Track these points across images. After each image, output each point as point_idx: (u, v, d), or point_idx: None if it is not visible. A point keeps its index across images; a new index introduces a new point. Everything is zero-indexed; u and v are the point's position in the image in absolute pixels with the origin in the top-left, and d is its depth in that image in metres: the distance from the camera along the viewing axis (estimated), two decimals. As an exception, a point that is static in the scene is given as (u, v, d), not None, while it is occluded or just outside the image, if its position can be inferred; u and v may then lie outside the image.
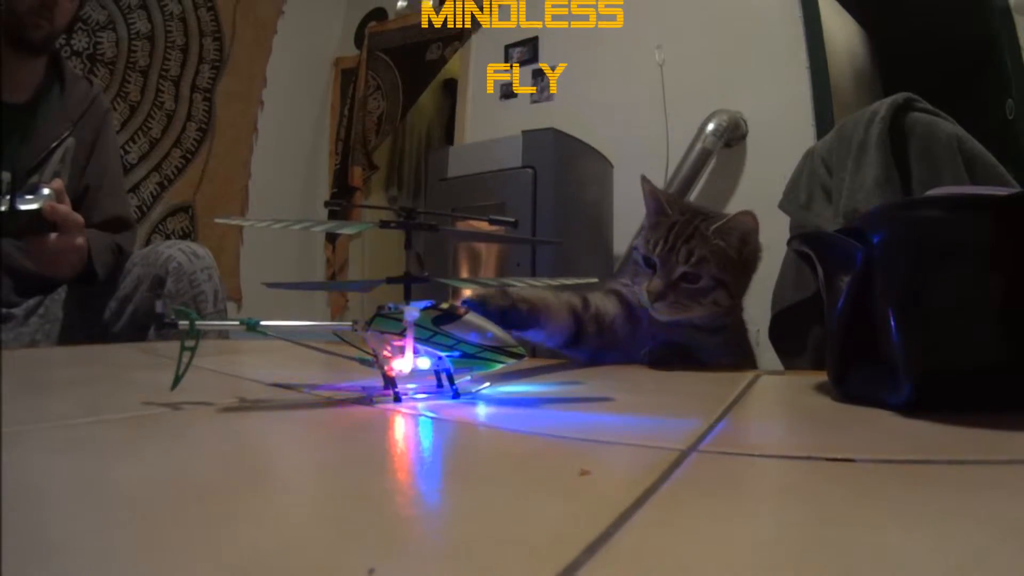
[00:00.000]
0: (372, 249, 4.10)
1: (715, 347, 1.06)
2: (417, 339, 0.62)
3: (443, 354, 0.63)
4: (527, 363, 0.81)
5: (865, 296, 0.64)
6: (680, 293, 0.99)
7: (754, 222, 1.03)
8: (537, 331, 0.98)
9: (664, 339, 1.04)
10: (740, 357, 1.11)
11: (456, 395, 0.64)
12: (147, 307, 1.51)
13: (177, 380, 0.59)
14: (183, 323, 0.60)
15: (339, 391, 0.69)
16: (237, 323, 0.63)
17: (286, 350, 0.67)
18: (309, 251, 4.25)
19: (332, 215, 4.13)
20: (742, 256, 1.03)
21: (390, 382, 0.62)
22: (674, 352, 1.03)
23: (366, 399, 0.62)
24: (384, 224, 0.64)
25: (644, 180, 1.11)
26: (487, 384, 0.72)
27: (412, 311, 0.62)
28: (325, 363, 0.64)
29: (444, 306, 0.64)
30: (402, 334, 0.62)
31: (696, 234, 1.01)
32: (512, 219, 0.68)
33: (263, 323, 0.62)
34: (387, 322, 0.63)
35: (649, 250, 1.02)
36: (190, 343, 0.59)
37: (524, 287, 0.92)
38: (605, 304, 1.06)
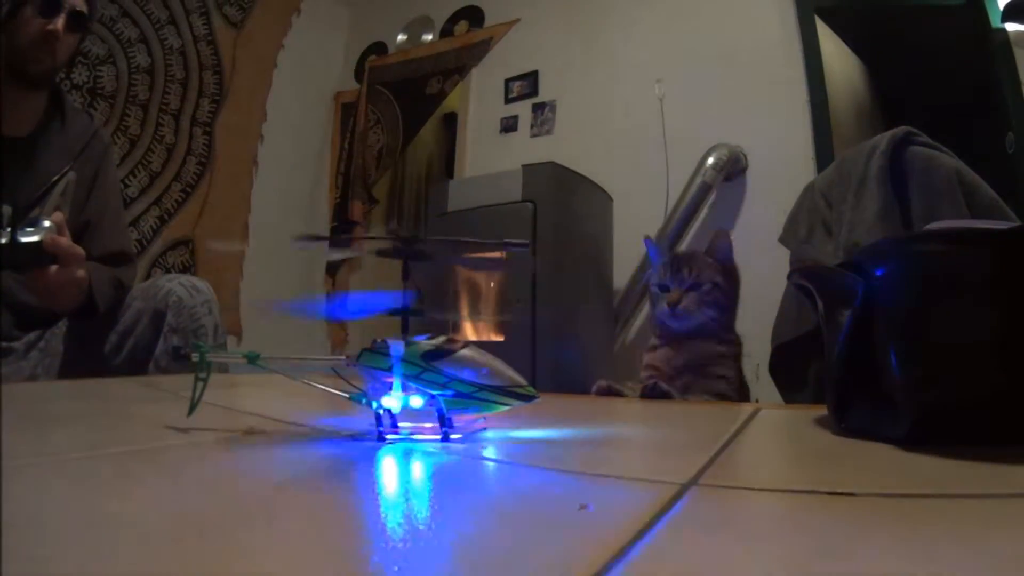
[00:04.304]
0: (372, 282, 4.10)
1: (721, 359, 1.31)
2: (406, 376, 0.59)
3: (435, 392, 0.59)
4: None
5: (865, 330, 0.64)
6: (690, 299, 1.32)
7: (727, 238, 1.39)
8: None
9: (682, 363, 1.31)
10: (738, 377, 1.33)
11: (444, 438, 0.60)
12: (148, 341, 1.50)
13: (193, 407, 0.62)
14: (195, 355, 0.63)
15: (337, 426, 0.69)
16: (240, 356, 0.64)
17: (283, 384, 0.67)
18: (309, 285, 4.25)
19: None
20: (725, 267, 1.36)
21: (376, 419, 0.60)
22: (688, 369, 1.31)
23: (363, 435, 0.62)
24: (381, 253, 0.64)
25: (648, 239, 1.52)
26: (483, 428, 0.66)
27: (397, 346, 0.59)
28: (323, 398, 0.63)
29: (438, 340, 0.61)
30: (390, 370, 0.59)
31: (693, 259, 1.37)
32: (525, 241, 0.66)
33: (264, 356, 0.62)
34: (374, 357, 0.60)
35: (662, 277, 1.37)
36: (203, 374, 0.63)
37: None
38: (653, 359, 1.36)
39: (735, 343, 1.35)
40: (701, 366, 1.30)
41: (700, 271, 1.33)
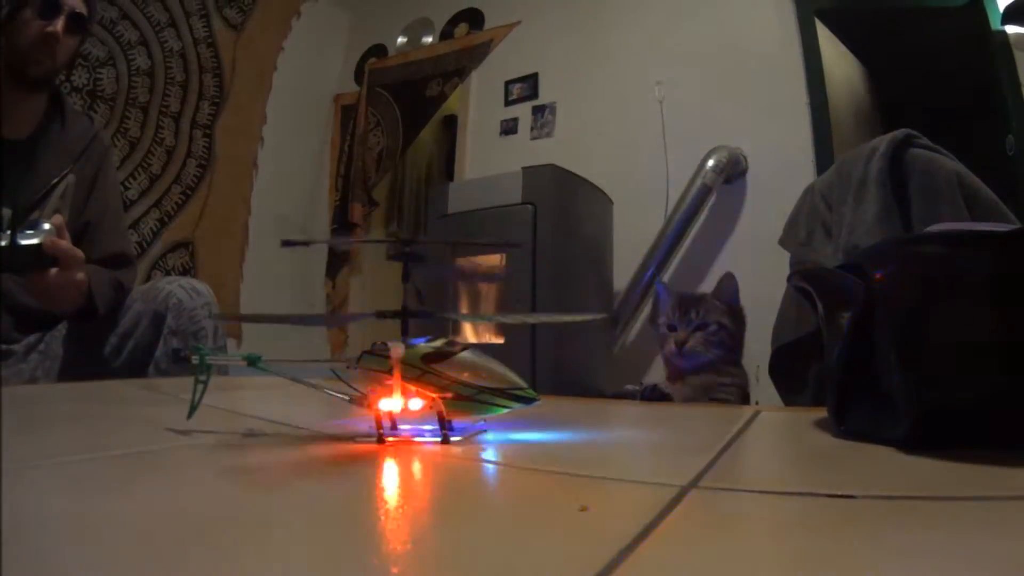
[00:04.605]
0: (373, 284, 4.09)
1: (724, 387, 1.38)
2: (406, 378, 0.59)
3: (435, 395, 0.59)
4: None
5: (865, 332, 0.64)
6: (696, 339, 1.40)
7: (734, 280, 1.47)
8: None
9: (689, 395, 1.38)
10: (740, 402, 1.41)
11: (445, 441, 0.59)
12: (148, 343, 1.50)
13: (193, 409, 0.62)
14: (195, 358, 0.63)
15: (336, 429, 0.69)
16: (240, 359, 0.64)
17: (283, 387, 0.67)
18: (309, 287, 4.24)
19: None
20: (731, 308, 1.44)
21: (377, 422, 0.59)
22: (694, 400, 1.38)
23: (366, 437, 0.61)
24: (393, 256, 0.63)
25: (660, 282, 1.70)
26: (483, 430, 0.65)
27: (398, 348, 0.59)
28: (323, 401, 0.63)
29: (437, 343, 0.61)
30: (390, 372, 0.59)
31: (700, 301, 1.44)
32: (518, 242, 0.67)
33: (264, 359, 0.62)
34: (375, 360, 0.60)
35: (670, 318, 1.44)
36: (203, 376, 0.62)
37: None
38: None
39: (739, 376, 1.43)
40: (704, 393, 1.38)
41: (707, 312, 1.42)
